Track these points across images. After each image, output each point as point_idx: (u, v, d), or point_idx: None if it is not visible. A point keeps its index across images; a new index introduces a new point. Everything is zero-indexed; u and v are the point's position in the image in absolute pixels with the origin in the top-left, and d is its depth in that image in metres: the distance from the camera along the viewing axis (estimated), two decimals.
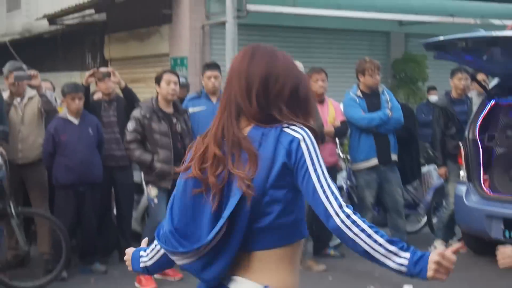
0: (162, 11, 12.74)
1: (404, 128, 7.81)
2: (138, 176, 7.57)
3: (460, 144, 7.59)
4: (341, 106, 7.76)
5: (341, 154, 8.13)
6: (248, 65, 2.40)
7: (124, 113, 7.13)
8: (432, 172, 8.84)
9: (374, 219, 7.61)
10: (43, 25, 16.47)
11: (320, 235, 7.41)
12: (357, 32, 14.15)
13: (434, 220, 8.38)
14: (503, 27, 10.56)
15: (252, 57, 2.42)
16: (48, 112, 7.09)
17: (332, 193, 2.29)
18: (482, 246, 7.58)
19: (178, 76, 6.76)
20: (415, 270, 2.22)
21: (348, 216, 2.25)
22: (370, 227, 2.26)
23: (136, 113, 6.53)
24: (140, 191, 7.76)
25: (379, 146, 7.49)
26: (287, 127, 2.34)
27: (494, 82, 7.84)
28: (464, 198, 7.41)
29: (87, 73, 7.30)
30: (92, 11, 14.83)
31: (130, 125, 6.49)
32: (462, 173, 7.57)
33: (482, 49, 7.23)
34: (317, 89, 7.38)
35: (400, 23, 14.49)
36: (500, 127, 7.65)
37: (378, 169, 7.50)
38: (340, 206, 2.26)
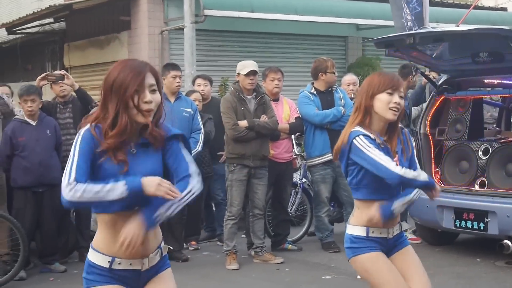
0: (120, 18, 12.79)
1: None
2: None
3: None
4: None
5: (296, 152, 8.28)
6: None
7: (80, 114, 7.19)
8: None
9: (329, 214, 7.78)
10: (1, 35, 16.41)
11: (278, 230, 7.57)
12: (315, 37, 14.35)
13: None
14: None
15: None
16: (5, 114, 7.13)
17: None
18: (435, 236, 7.81)
19: None
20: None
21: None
22: None
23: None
24: None
25: (333, 142, 7.59)
26: None
27: (443, 77, 8.06)
28: None
29: (39, 77, 7.35)
30: (51, 20, 14.82)
31: None
32: None
33: (431, 47, 7.46)
34: (272, 88, 7.55)
35: (358, 27, 14.74)
36: (450, 121, 7.88)
37: (332, 164, 7.65)
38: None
